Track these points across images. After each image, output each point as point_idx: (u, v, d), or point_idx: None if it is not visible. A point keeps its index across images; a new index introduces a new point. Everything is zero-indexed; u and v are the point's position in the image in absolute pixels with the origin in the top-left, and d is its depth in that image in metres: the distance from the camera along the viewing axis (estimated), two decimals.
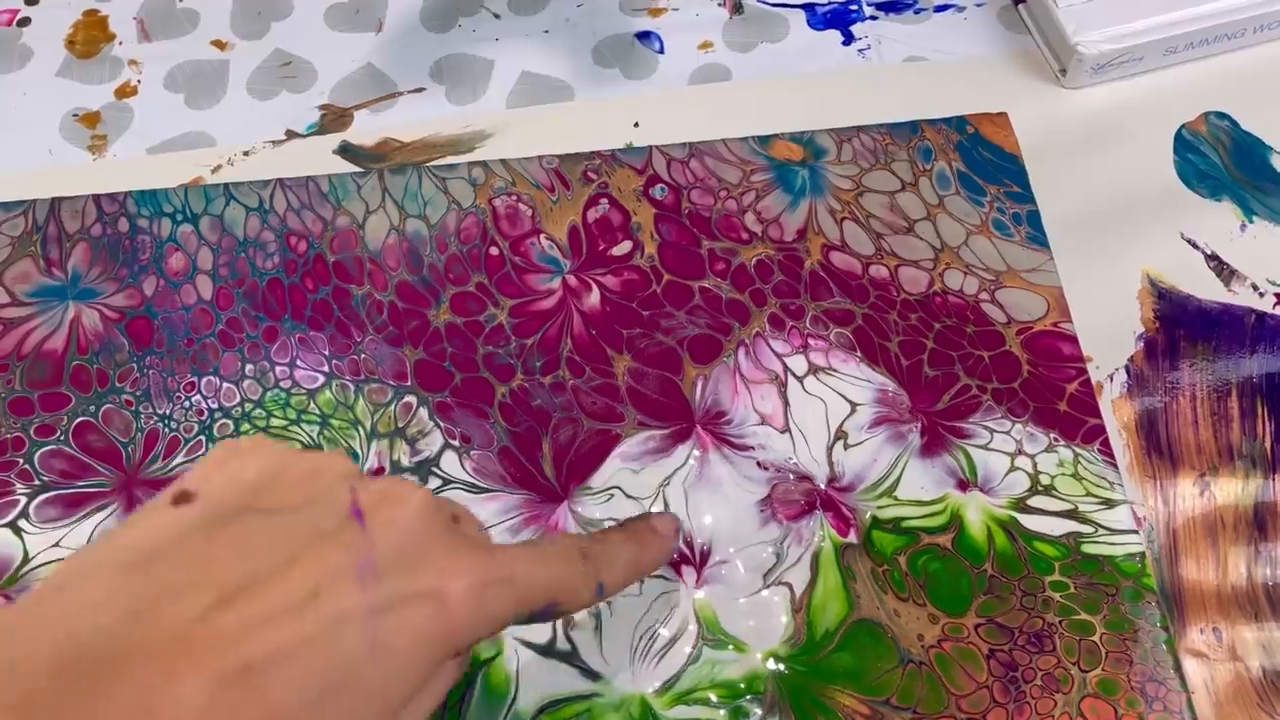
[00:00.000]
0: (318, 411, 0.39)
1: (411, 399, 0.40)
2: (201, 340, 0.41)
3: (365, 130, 0.46)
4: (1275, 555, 0.36)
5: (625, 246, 0.42)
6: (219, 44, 0.49)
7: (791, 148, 0.44)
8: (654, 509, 0.37)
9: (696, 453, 0.38)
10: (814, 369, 0.40)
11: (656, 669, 0.35)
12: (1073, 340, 0.40)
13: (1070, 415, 0.38)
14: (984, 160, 0.44)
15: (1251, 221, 0.43)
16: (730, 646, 0.35)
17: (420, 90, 0.47)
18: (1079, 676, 0.34)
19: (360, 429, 0.39)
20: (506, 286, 0.41)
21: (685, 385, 0.40)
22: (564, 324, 0.41)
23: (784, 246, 0.42)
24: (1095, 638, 0.35)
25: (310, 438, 0.39)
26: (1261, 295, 0.41)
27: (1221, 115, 0.45)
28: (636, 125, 0.45)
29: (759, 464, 0.38)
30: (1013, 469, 0.38)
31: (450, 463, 0.38)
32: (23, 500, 0.38)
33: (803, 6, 0.49)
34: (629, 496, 0.37)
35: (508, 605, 0.25)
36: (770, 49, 0.48)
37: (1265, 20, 0.45)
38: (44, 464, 0.39)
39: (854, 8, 0.49)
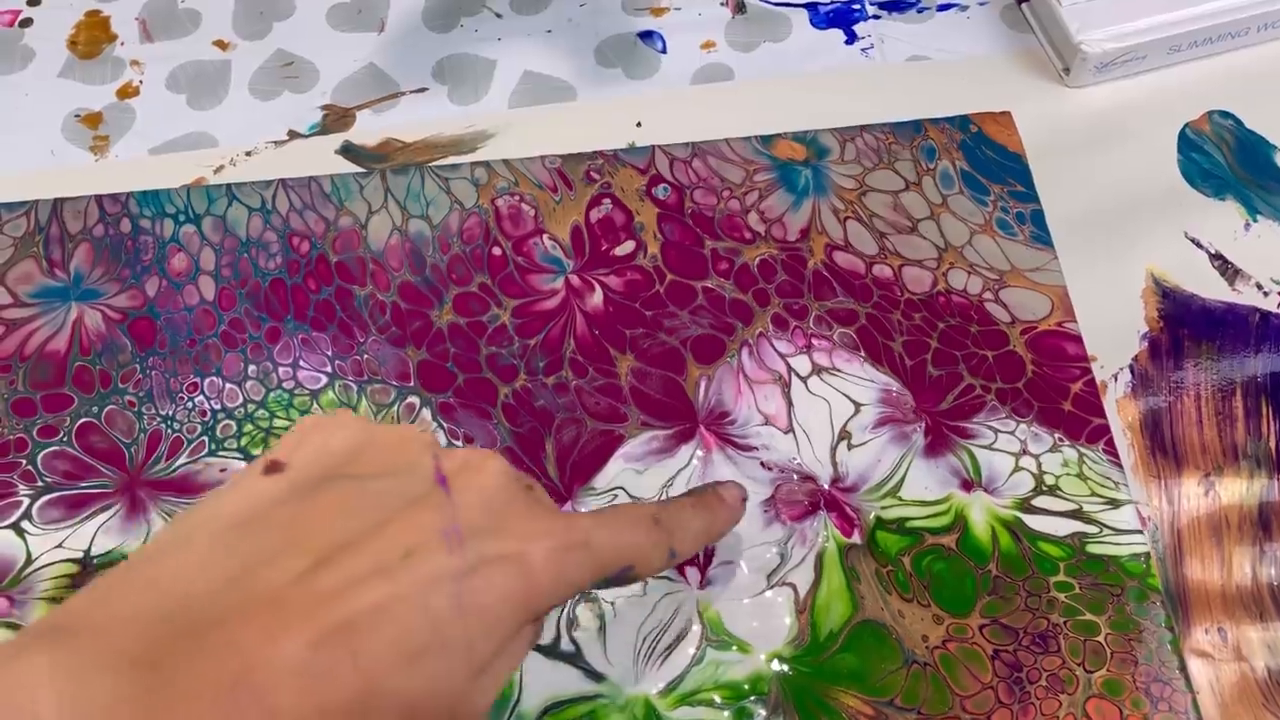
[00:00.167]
0: (320, 412, 0.39)
1: (414, 399, 0.39)
2: (204, 341, 0.41)
3: (367, 130, 0.46)
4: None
5: (628, 246, 0.42)
6: (221, 44, 0.49)
7: (794, 147, 0.44)
8: None
9: (700, 453, 0.38)
10: (817, 369, 0.40)
11: (660, 670, 0.35)
12: (1077, 340, 0.40)
13: (1075, 415, 0.38)
14: (987, 159, 0.44)
15: (1255, 220, 0.43)
16: (734, 647, 0.35)
17: (422, 90, 0.47)
18: (1084, 677, 0.34)
19: None
20: (509, 287, 0.41)
21: (688, 385, 0.39)
22: (567, 324, 0.41)
23: (787, 246, 0.42)
24: (1100, 638, 0.35)
25: None
26: (1266, 294, 0.41)
27: (1225, 114, 0.45)
28: (639, 125, 0.45)
29: (763, 464, 0.38)
30: (1017, 469, 0.38)
31: None
32: (26, 501, 0.38)
33: (805, 6, 0.49)
34: (632, 497, 0.37)
35: (586, 569, 0.25)
36: (773, 48, 0.48)
37: (1269, 19, 0.45)
38: (47, 465, 0.39)
39: (856, 7, 0.49)
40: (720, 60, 0.47)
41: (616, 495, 0.37)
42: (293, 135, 0.46)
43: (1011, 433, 0.38)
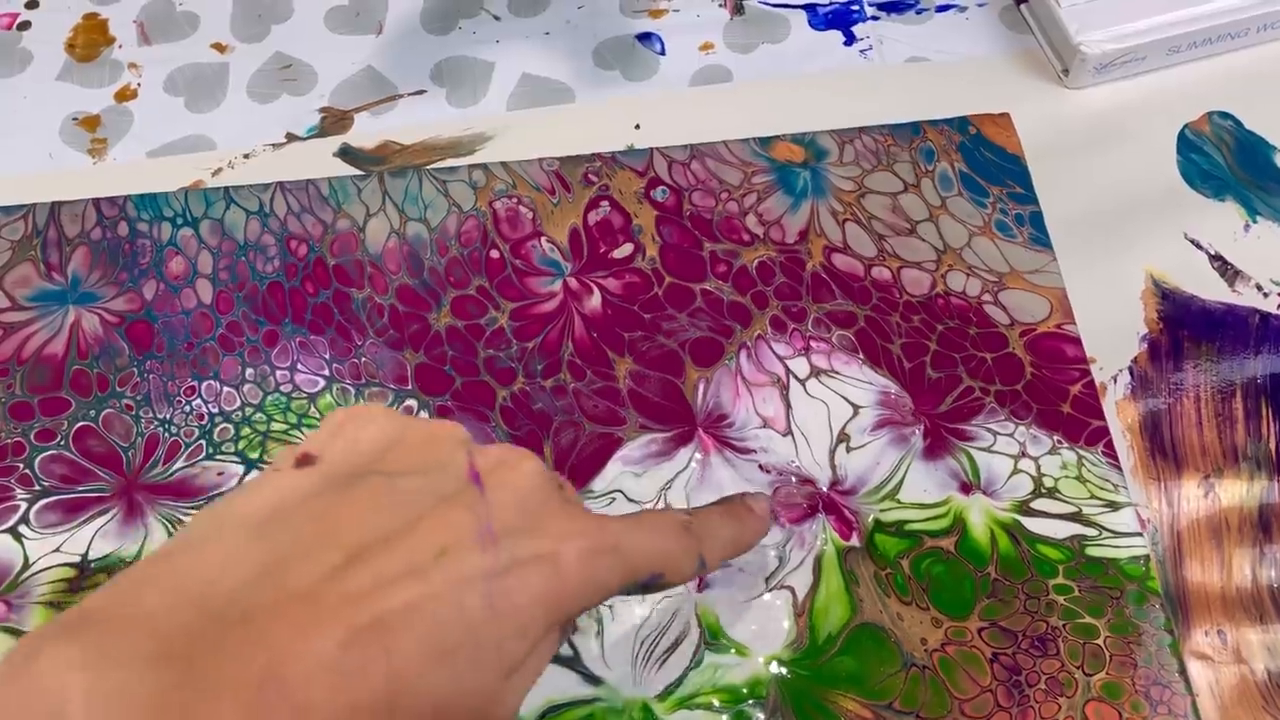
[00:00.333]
0: (318, 415, 0.39)
1: (412, 402, 0.39)
2: (202, 344, 0.41)
3: (365, 133, 0.46)
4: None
5: (626, 249, 0.42)
6: (219, 47, 0.49)
7: (793, 149, 0.44)
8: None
9: (698, 456, 0.38)
10: (816, 371, 0.40)
11: (659, 673, 0.35)
12: (1076, 342, 0.40)
13: (1074, 417, 0.38)
14: (986, 161, 0.43)
15: (1255, 221, 0.43)
16: (732, 651, 0.35)
17: (421, 93, 0.47)
18: (1083, 680, 0.34)
19: None
20: (507, 289, 0.41)
21: (687, 388, 0.39)
22: (565, 327, 0.41)
23: (786, 248, 0.42)
24: (1099, 641, 0.35)
25: None
26: (1266, 295, 0.41)
27: (1225, 115, 0.45)
28: (638, 127, 0.45)
29: (761, 467, 0.38)
30: (1016, 471, 0.37)
31: None
32: (23, 505, 0.38)
33: (804, 7, 0.49)
34: (631, 500, 0.37)
35: (616, 573, 0.25)
36: (771, 50, 0.48)
37: (1268, 20, 0.45)
38: (44, 469, 0.39)
39: (855, 8, 0.48)
40: (719, 62, 0.47)
41: (614, 499, 0.37)
42: (291, 138, 0.46)
43: (1010, 435, 0.38)
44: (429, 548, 0.22)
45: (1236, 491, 0.37)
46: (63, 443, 0.39)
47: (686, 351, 0.40)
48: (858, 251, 0.42)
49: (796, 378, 0.39)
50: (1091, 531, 0.36)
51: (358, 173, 0.44)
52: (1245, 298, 0.41)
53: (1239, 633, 0.35)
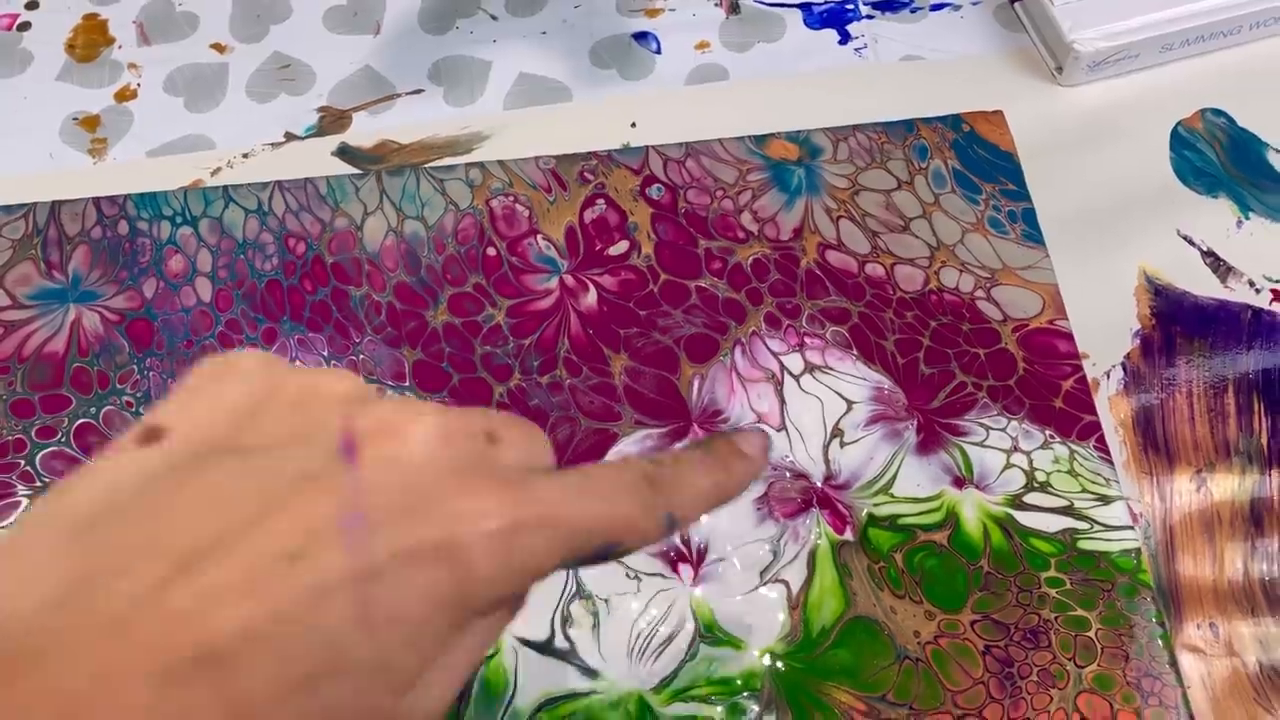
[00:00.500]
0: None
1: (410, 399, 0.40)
2: (201, 342, 0.41)
3: (363, 132, 0.46)
4: (1271, 551, 0.37)
5: (622, 246, 0.42)
6: (218, 47, 0.49)
7: (787, 147, 0.44)
8: None
9: None
10: (810, 367, 0.40)
11: (654, 666, 0.35)
12: (1069, 337, 0.40)
13: (1066, 412, 0.39)
14: (979, 158, 0.44)
15: (1248, 218, 0.43)
16: (727, 644, 0.35)
17: (418, 92, 0.47)
18: (1075, 672, 0.34)
19: None
20: (504, 287, 0.42)
21: (682, 384, 0.40)
22: (561, 324, 0.41)
23: (780, 245, 0.42)
24: (1091, 633, 0.35)
25: None
26: (1258, 291, 0.41)
27: (1218, 112, 0.45)
28: (634, 125, 0.46)
29: None
30: (1008, 466, 0.38)
31: None
32: (24, 502, 0.38)
33: (799, 6, 0.49)
34: None
35: (546, 551, 0.20)
36: (767, 49, 0.48)
37: (1261, 17, 0.45)
38: (45, 466, 0.39)
39: (850, 7, 0.49)
40: (714, 60, 0.48)
41: None
42: (289, 137, 0.46)
43: (1003, 430, 0.38)
44: (277, 550, 0.18)
45: (1228, 486, 0.38)
46: (64, 439, 0.39)
47: (681, 348, 0.40)
48: (852, 248, 0.42)
49: (791, 374, 0.40)
50: (1083, 525, 0.37)
51: (356, 171, 0.45)
52: (1237, 294, 0.41)
53: (1231, 625, 0.35)
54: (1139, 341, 0.40)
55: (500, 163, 0.44)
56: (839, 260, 0.42)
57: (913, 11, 0.49)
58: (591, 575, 0.36)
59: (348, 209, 0.43)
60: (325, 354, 0.41)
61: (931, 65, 0.47)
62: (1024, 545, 0.36)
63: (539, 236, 0.43)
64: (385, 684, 0.19)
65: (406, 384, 0.40)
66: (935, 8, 0.49)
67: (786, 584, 0.36)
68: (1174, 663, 0.34)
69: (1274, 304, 0.41)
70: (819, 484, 0.38)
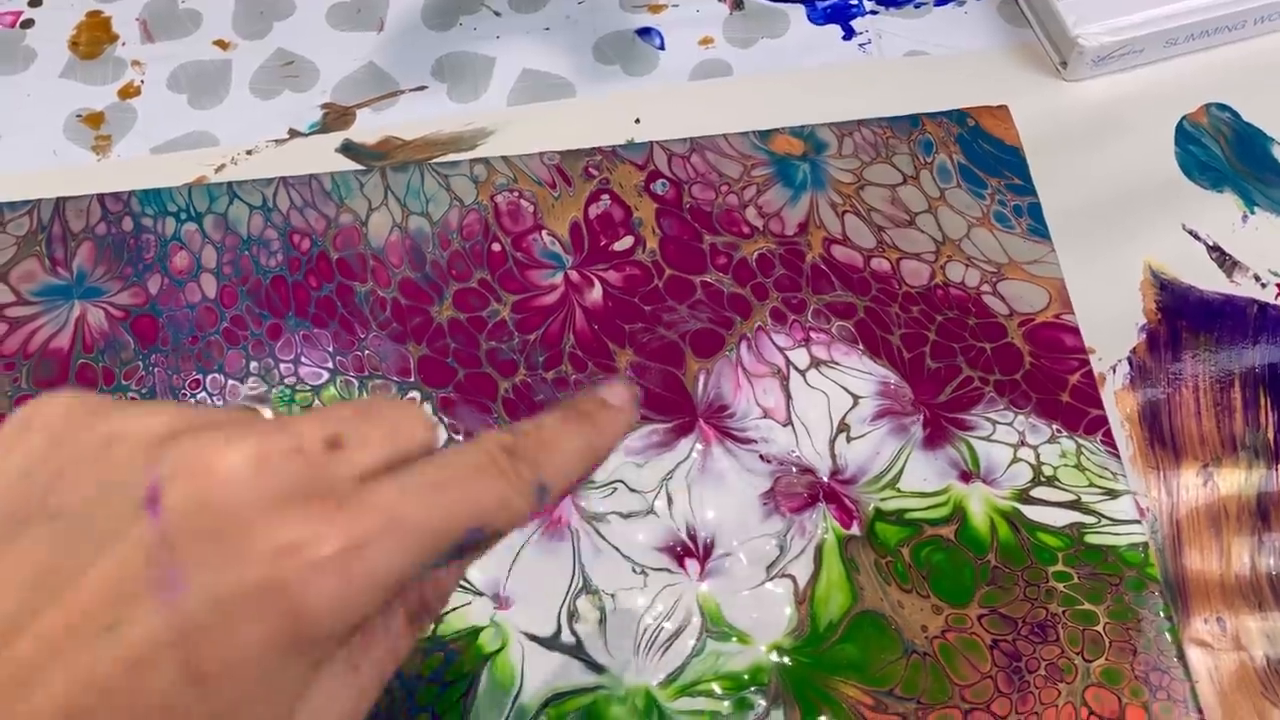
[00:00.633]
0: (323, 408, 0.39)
1: (415, 395, 0.40)
2: (206, 338, 0.41)
3: (367, 129, 0.46)
4: (1278, 545, 0.36)
5: (627, 242, 0.42)
6: (221, 44, 0.49)
7: (792, 142, 0.44)
8: (656, 503, 0.37)
9: (699, 446, 0.38)
10: (816, 362, 0.40)
11: (661, 661, 0.35)
12: (1075, 332, 0.40)
13: (1072, 406, 0.38)
14: (985, 153, 0.44)
15: (1253, 213, 0.43)
16: (734, 639, 0.35)
17: (422, 88, 0.47)
18: (1083, 666, 0.34)
19: None
20: (509, 282, 0.42)
21: (687, 379, 0.40)
22: (566, 319, 0.41)
23: (785, 240, 0.42)
24: (1099, 628, 0.35)
25: None
26: (1264, 286, 0.41)
27: (1222, 107, 0.45)
28: (638, 122, 0.46)
29: (761, 457, 0.38)
30: (1015, 460, 0.38)
31: None
32: None
33: (803, 1, 0.49)
34: (632, 490, 0.38)
35: (395, 562, 0.18)
36: (770, 44, 0.48)
37: (1265, 12, 0.45)
38: None
39: (854, 2, 0.49)
40: (718, 56, 0.48)
41: (616, 488, 0.38)
42: (293, 134, 0.46)
43: (1010, 424, 0.38)
44: (89, 621, 0.17)
45: (1235, 480, 0.38)
46: None
47: (687, 343, 0.40)
48: (857, 243, 0.42)
49: (796, 369, 0.40)
50: (1090, 519, 0.36)
51: (360, 168, 0.45)
52: (1243, 288, 0.41)
53: (1238, 620, 0.35)
54: (1145, 336, 0.40)
55: (505, 158, 0.44)
56: (844, 255, 0.42)
57: (917, 7, 0.49)
58: (598, 570, 0.36)
59: (352, 205, 0.43)
60: (331, 349, 0.41)
61: (936, 61, 0.47)
62: (1031, 539, 0.36)
63: (544, 232, 0.43)
64: None
65: (412, 379, 0.40)
66: (939, 3, 0.49)
67: (793, 579, 0.36)
68: (1182, 657, 0.34)
69: (1279, 298, 0.41)
70: (825, 479, 0.38)
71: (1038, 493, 0.37)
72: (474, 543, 0.20)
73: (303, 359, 0.40)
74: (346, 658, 0.19)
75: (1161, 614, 0.35)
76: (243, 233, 0.43)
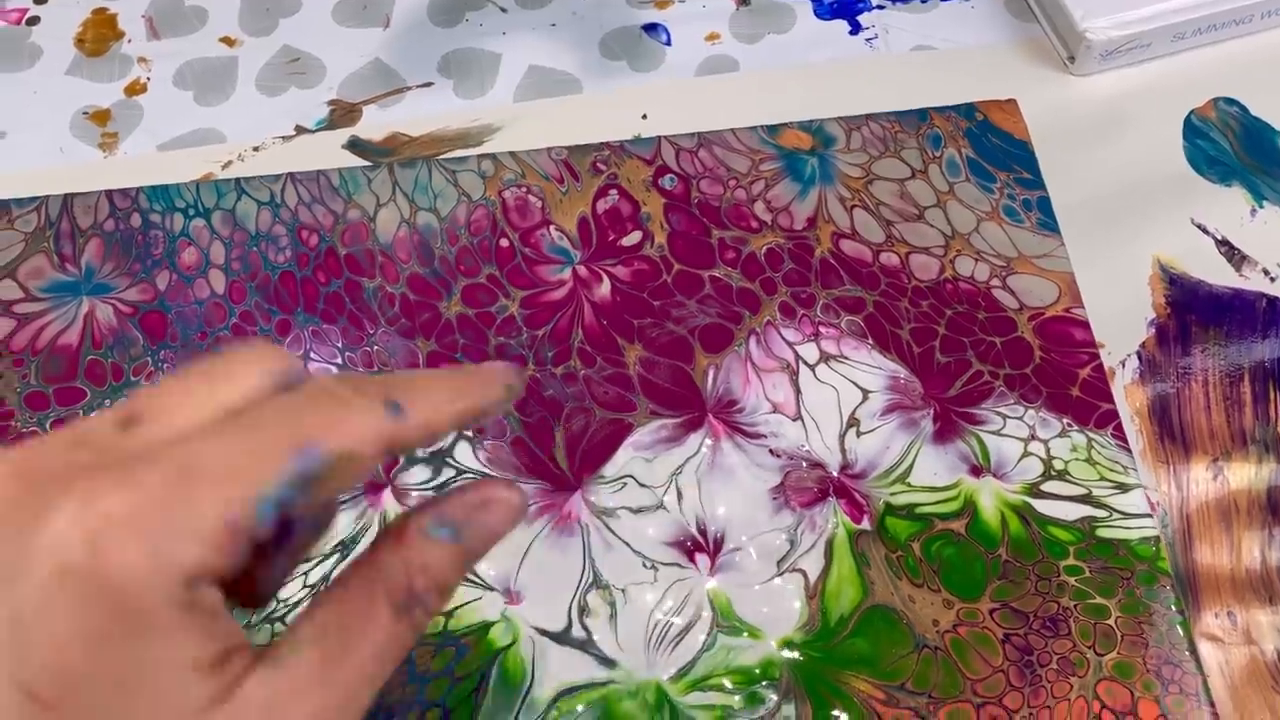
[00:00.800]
0: None
1: None
2: (215, 334, 0.41)
3: (374, 125, 0.46)
4: None
5: (635, 237, 0.42)
6: (228, 41, 0.49)
7: (800, 136, 0.44)
8: (666, 498, 0.37)
9: (709, 441, 0.38)
10: (825, 357, 0.40)
11: (672, 656, 0.35)
12: (1084, 326, 0.40)
13: (1083, 400, 0.38)
14: (993, 147, 0.44)
15: (1262, 206, 0.43)
16: (745, 633, 0.35)
17: (428, 85, 0.47)
18: (1095, 660, 0.34)
19: None
20: (517, 278, 0.42)
21: (697, 374, 0.40)
22: (575, 314, 0.41)
23: (794, 235, 0.42)
24: (1110, 621, 0.35)
25: None
26: (1273, 280, 0.41)
27: (1230, 101, 0.45)
28: (645, 117, 0.45)
29: (771, 452, 0.38)
30: (1026, 454, 0.38)
31: (464, 453, 0.38)
32: None
33: None
34: (641, 485, 0.38)
35: (200, 508, 0.18)
36: (777, 40, 0.48)
37: (1273, 6, 0.45)
38: None
39: None
40: (725, 52, 0.48)
41: (626, 483, 0.38)
42: (300, 130, 0.46)
43: (1020, 418, 0.38)
44: None
45: (1245, 474, 0.38)
46: None
47: (696, 338, 0.40)
48: (866, 237, 0.42)
49: (806, 363, 0.40)
50: (1101, 513, 0.36)
51: (367, 164, 0.45)
52: (1252, 282, 0.41)
53: (1249, 614, 0.35)
54: (1154, 330, 0.40)
55: (512, 154, 0.44)
56: (853, 249, 0.42)
57: (923, 1, 0.48)
58: (608, 565, 0.36)
59: (360, 201, 0.43)
60: (340, 345, 0.40)
61: (943, 55, 0.47)
62: (1042, 533, 0.36)
63: (552, 227, 0.43)
64: None
65: None
66: None
67: (804, 573, 0.36)
68: (1194, 650, 0.34)
69: None
70: (835, 473, 0.38)
71: (1048, 487, 0.37)
72: (318, 467, 0.19)
73: (311, 355, 0.40)
74: (310, 645, 0.19)
75: (1173, 608, 0.35)
76: (251, 228, 0.43)
